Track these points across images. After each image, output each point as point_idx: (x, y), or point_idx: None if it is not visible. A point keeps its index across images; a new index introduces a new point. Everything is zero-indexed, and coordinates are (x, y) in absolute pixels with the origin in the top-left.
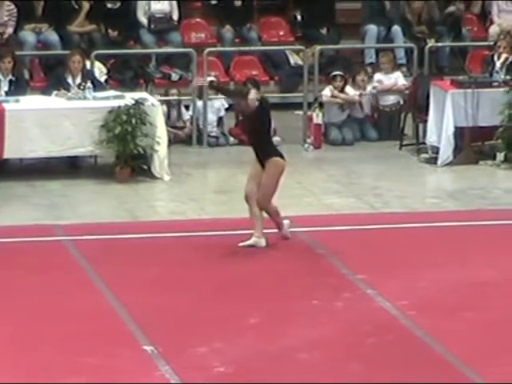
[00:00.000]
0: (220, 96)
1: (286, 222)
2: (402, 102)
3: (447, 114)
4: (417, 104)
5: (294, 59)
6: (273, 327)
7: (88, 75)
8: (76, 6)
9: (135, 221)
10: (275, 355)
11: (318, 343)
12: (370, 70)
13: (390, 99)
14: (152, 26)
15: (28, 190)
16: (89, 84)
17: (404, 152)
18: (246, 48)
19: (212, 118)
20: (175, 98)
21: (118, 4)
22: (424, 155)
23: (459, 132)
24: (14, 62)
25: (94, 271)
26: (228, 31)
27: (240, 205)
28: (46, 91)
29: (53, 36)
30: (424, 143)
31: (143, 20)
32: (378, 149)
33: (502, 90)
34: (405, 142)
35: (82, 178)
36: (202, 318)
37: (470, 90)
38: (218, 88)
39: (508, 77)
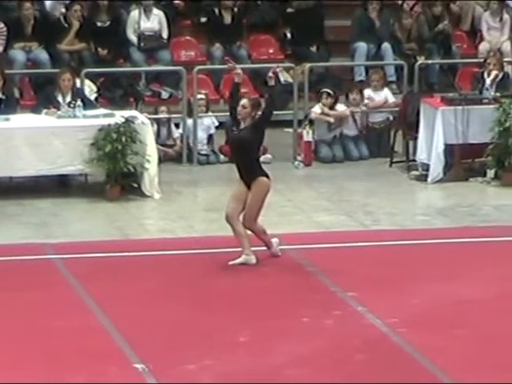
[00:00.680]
0: (210, 114)
1: (274, 240)
2: (391, 119)
3: (437, 131)
4: (407, 121)
5: (283, 77)
6: (262, 344)
7: (78, 93)
8: (66, 25)
9: (125, 239)
10: (265, 372)
11: (308, 360)
12: (358, 85)
13: (380, 116)
14: (142, 44)
15: (18, 209)
16: (79, 102)
17: (394, 169)
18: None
19: (202, 135)
20: (165, 115)
21: (108, 22)
22: (414, 172)
23: (449, 149)
24: (3, 81)
25: (84, 289)
26: (218, 49)
27: None
28: (35, 109)
29: (42, 54)
30: (414, 160)
31: (133, 38)
32: (369, 166)
33: (492, 106)
34: (395, 159)
35: (72, 196)
36: (192, 335)
37: (460, 107)
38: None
39: (498, 94)
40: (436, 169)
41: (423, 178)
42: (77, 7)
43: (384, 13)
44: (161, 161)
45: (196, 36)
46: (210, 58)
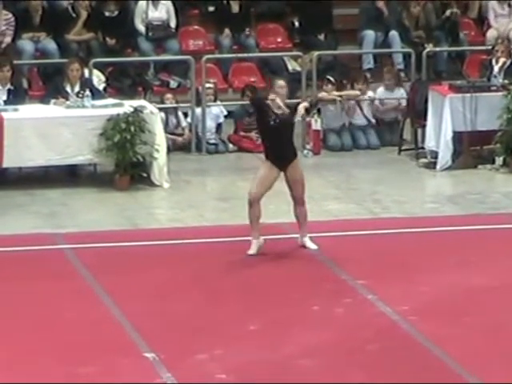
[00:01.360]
0: (218, 103)
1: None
2: (400, 118)
3: (445, 118)
4: (415, 109)
5: (291, 65)
6: (273, 334)
7: (86, 83)
8: (74, 15)
9: (135, 228)
10: (276, 362)
11: (319, 350)
12: (368, 75)
13: (388, 114)
14: (150, 34)
15: (27, 199)
16: (87, 92)
17: (403, 157)
18: (244, 55)
19: (211, 124)
20: (174, 105)
21: (116, 12)
22: (423, 160)
23: (458, 136)
24: (12, 71)
25: (94, 279)
26: (226, 38)
27: (240, 211)
28: (44, 100)
29: (51, 44)
30: (423, 148)
31: (141, 28)
32: (377, 154)
33: (500, 94)
34: (404, 147)
35: (81, 186)
36: (203, 325)
37: (468, 95)
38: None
39: (506, 81)
40: (444, 156)
41: (432, 165)
42: None
43: (392, 1)
44: (169, 150)
45: (204, 25)
46: (218, 47)
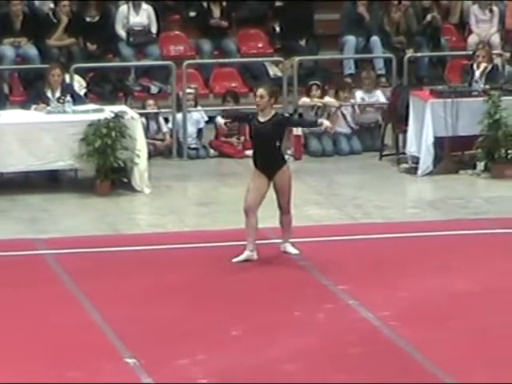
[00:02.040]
0: (199, 108)
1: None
2: (380, 121)
3: (427, 123)
4: (396, 114)
5: (273, 71)
6: (255, 339)
7: (67, 89)
8: (54, 20)
9: (116, 234)
10: (259, 366)
11: (301, 354)
12: (349, 80)
13: (369, 117)
14: (131, 39)
15: (8, 205)
16: (68, 98)
17: (384, 162)
18: (225, 60)
19: (191, 130)
20: (154, 110)
21: (97, 17)
22: (404, 165)
23: (439, 142)
24: None
25: (76, 285)
26: (207, 43)
27: (221, 217)
28: (25, 105)
29: (32, 50)
30: (404, 153)
31: (122, 33)
32: (359, 159)
33: (481, 99)
34: (385, 153)
35: (62, 191)
36: (184, 330)
37: (449, 100)
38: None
39: (487, 86)
40: (426, 161)
41: (413, 170)
42: (65, 2)
43: (373, 6)
44: (150, 155)
45: (185, 30)
46: (199, 52)
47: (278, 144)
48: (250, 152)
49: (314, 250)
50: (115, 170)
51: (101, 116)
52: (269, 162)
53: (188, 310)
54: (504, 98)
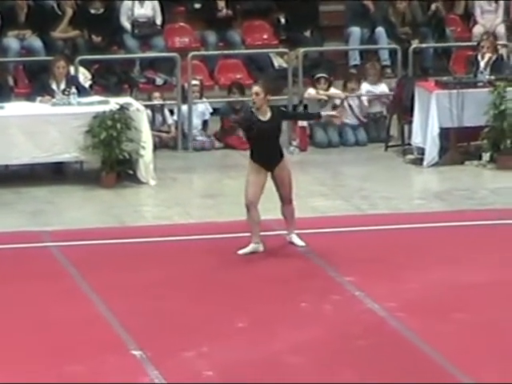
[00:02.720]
0: (204, 100)
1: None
2: (385, 113)
3: (432, 114)
4: (402, 105)
5: (277, 62)
6: (261, 331)
7: (72, 81)
8: (59, 12)
9: (122, 226)
10: (264, 359)
11: (307, 346)
12: (355, 71)
13: (374, 109)
14: (136, 31)
15: (14, 197)
16: (73, 90)
17: (390, 153)
18: (230, 52)
19: (197, 122)
20: (160, 102)
21: (102, 9)
22: (410, 156)
23: (444, 133)
24: None
25: (81, 277)
26: (211, 35)
27: (226, 208)
28: (30, 97)
29: (36, 42)
30: (409, 144)
31: (127, 25)
32: (364, 150)
33: (486, 90)
34: (390, 144)
35: (67, 184)
36: (190, 323)
37: (454, 91)
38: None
39: (492, 77)
40: (431, 152)
41: (419, 161)
42: None
43: None
44: (156, 147)
45: (190, 22)
46: (204, 44)
47: (279, 137)
48: None
49: (320, 242)
50: (120, 162)
51: (106, 108)
52: (270, 157)
53: (194, 302)
54: (509, 88)
